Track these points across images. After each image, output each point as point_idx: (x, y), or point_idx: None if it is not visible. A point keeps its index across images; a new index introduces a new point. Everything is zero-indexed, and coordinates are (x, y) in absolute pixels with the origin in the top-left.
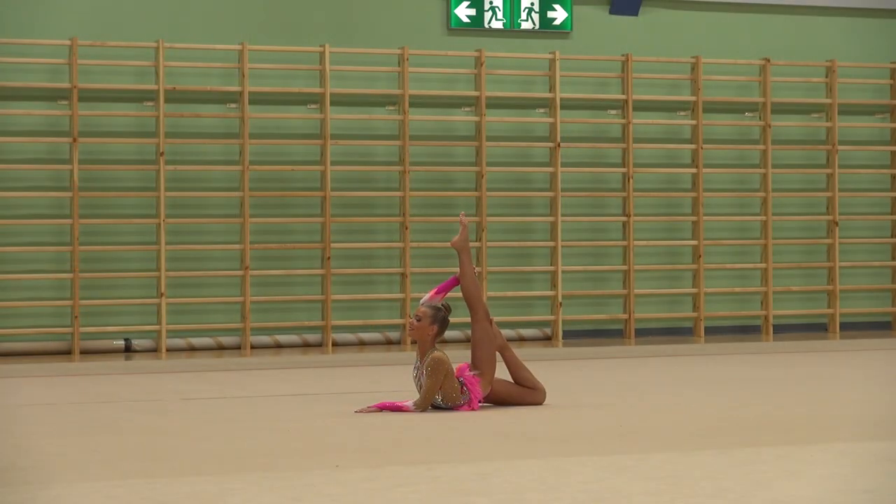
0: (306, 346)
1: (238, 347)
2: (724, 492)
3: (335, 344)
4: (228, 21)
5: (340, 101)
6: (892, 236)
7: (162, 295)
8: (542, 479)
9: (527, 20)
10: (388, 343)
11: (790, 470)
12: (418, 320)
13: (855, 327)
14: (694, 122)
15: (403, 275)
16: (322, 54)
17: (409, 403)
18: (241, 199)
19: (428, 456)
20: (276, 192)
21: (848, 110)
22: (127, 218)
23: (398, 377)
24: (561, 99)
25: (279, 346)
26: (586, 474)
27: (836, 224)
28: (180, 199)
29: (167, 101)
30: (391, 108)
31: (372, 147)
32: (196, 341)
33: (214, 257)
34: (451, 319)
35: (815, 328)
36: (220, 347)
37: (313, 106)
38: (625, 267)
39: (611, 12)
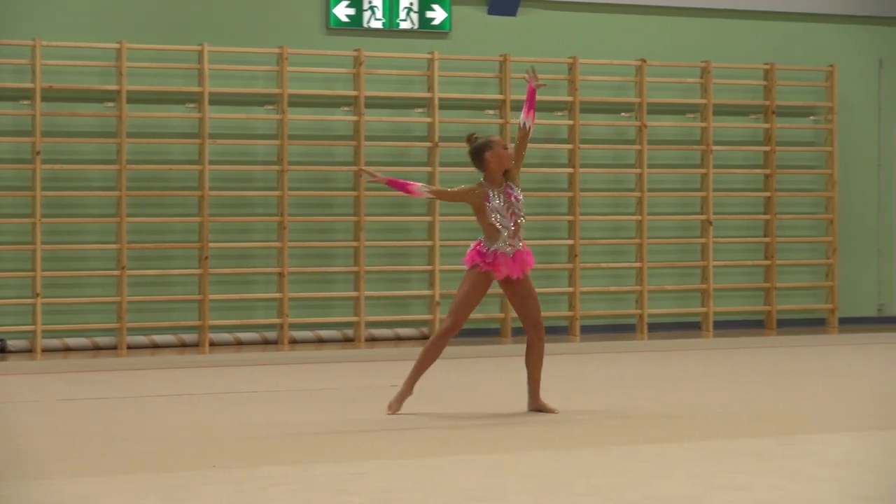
0: (183, 346)
1: (114, 348)
2: (598, 490)
3: (212, 344)
4: (106, 19)
5: (219, 100)
6: (764, 236)
7: (37, 295)
8: (419, 478)
9: (406, 20)
10: (266, 343)
11: (666, 467)
12: (504, 148)
13: (728, 326)
14: (571, 122)
15: (281, 274)
16: (201, 53)
17: (419, 186)
18: (118, 199)
19: (305, 455)
20: (154, 191)
21: (722, 111)
22: (1, 217)
23: (276, 377)
24: (439, 99)
25: (156, 347)
26: (462, 473)
27: (711, 224)
28: (56, 198)
29: (44, 99)
30: (270, 107)
31: (250, 146)
32: (72, 342)
33: (91, 257)
34: None
35: (689, 327)
36: (97, 348)
37: (191, 105)
38: (570, 265)
39: (489, 12)
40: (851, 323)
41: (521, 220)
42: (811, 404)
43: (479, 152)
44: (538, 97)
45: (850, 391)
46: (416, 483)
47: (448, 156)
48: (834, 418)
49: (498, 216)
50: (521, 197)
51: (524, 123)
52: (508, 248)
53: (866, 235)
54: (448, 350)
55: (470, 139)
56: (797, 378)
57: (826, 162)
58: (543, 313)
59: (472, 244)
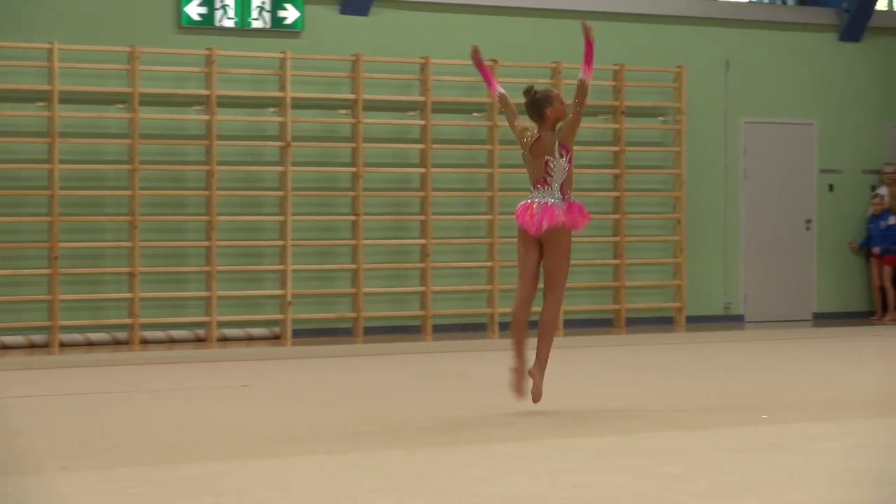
0: (32, 346)
1: None
2: (450, 488)
3: (62, 344)
4: None
5: (70, 98)
6: (614, 235)
7: None
8: (273, 478)
9: (258, 19)
10: (117, 343)
11: (512, 465)
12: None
13: (578, 325)
14: (423, 122)
15: (132, 274)
16: (51, 51)
17: (499, 89)
18: None
19: (160, 456)
20: (3, 190)
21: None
22: None
23: (128, 377)
24: (292, 98)
25: (5, 348)
26: (317, 473)
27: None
28: None
29: None
30: (121, 106)
31: (101, 145)
32: None
33: None
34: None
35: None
36: None
37: (41, 104)
38: (353, 266)
39: (341, 12)
40: (699, 321)
41: (551, 182)
42: (657, 402)
43: (540, 107)
44: (390, 97)
45: (695, 389)
46: (271, 483)
47: (300, 155)
48: (680, 416)
49: (529, 167)
50: (559, 162)
51: (582, 80)
52: (536, 202)
53: (713, 235)
54: (295, 350)
55: (529, 92)
56: (643, 376)
57: (674, 162)
58: (395, 312)
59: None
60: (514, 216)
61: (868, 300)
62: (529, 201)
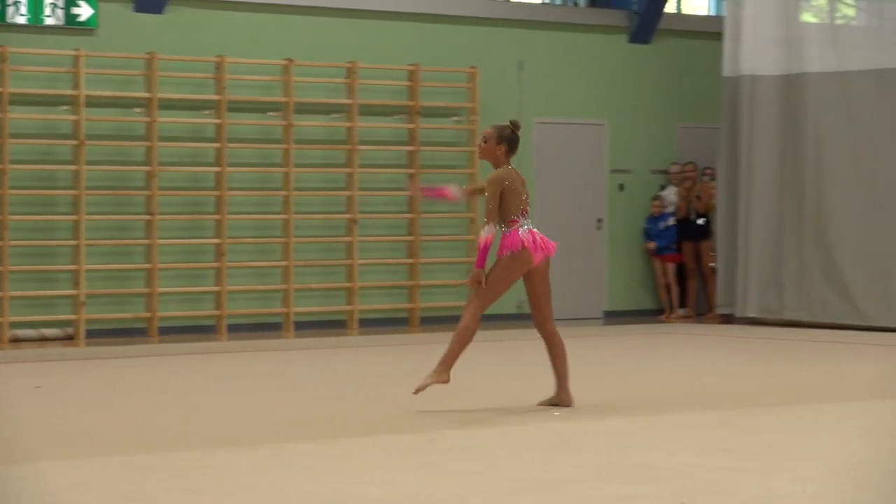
0: None
1: None
2: (250, 489)
3: None
4: None
5: None
6: (409, 234)
7: None
8: (70, 480)
9: (51, 16)
10: None
11: (310, 465)
12: (485, 142)
13: (373, 323)
14: (218, 120)
15: None
16: None
17: (452, 190)
18: None
19: None
20: None
21: (368, 111)
22: None
23: None
24: (86, 96)
25: None
26: (111, 474)
27: (356, 223)
28: None
29: None
30: None
31: None
32: None
33: None
34: None
35: (335, 325)
36: None
37: None
38: (148, 265)
39: (135, 10)
40: (493, 320)
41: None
42: (453, 401)
43: (519, 142)
44: (185, 95)
45: (489, 387)
46: (69, 486)
47: (95, 154)
48: (476, 414)
49: (516, 199)
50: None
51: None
52: (534, 231)
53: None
54: (89, 351)
55: (518, 126)
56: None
57: (469, 162)
58: (190, 312)
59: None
60: (480, 240)
61: (658, 298)
62: (530, 229)
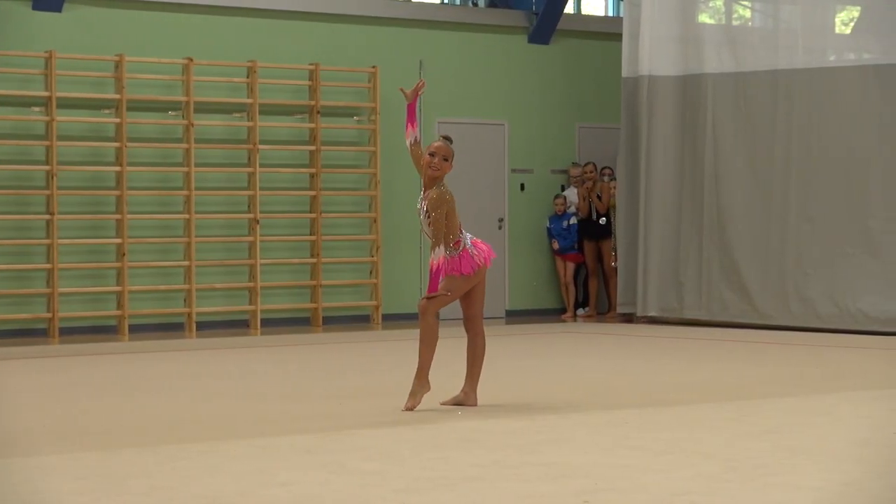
0: None
1: None
2: (153, 489)
3: None
4: None
5: None
6: (311, 234)
7: None
8: None
9: None
10: None
11: (215, 465)
12: (445, 160)
13: (276, 323)
14: (118, 120)
15: None
16: None
17: (415, 138)
18: None
19: None
20: None
21: (268, 110)
22: None
23: None
24: None
25: None
26: (14, 474)
27: (258, 222)
28: None
29: None
30: None
31: None
32: None
33: None
34: None
35: (237, 325)
36: None
37: None
38: (49, 266)
39: (34, 8)
40: (396, 319)
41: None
42: (353, 401)
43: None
44: (85, 94)
45: (400, 386)
46: None
47: None
48: (377, 414)
49: (455, 214)
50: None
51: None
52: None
53: (408, 234)
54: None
55: (449, 139)
56: (341, 374)
57: (370, 161)
58: (92, 312)
59: (441, 259)
60: (432, 264)
61: (559, 297)
62: (473, 240)
